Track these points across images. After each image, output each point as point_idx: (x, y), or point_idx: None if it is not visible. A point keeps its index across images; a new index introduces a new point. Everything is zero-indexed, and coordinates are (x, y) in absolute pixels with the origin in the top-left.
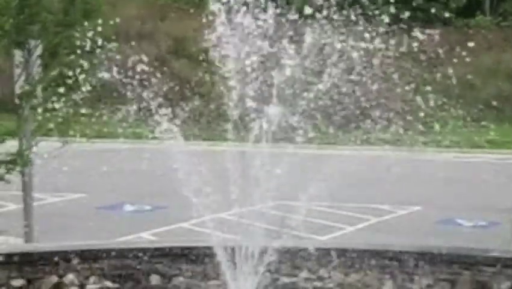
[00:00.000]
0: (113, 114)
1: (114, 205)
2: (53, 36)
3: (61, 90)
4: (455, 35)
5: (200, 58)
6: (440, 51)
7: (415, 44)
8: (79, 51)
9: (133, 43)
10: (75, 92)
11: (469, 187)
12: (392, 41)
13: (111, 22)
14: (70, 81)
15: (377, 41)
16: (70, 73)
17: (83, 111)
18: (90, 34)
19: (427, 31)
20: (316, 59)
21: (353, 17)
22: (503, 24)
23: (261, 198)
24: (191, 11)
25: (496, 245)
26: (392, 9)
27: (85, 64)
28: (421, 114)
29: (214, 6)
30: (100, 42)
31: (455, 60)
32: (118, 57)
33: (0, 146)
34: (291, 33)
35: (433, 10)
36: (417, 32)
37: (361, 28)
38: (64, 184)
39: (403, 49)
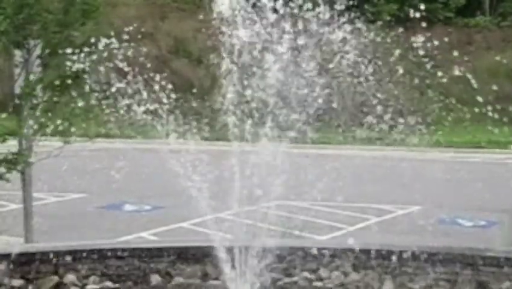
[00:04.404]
0: (113, 114)
1: (114, 204)
2: (53, 36)
3: (61, 89)
4: (455, 35)
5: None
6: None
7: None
8: (78, 50)
9: (133, 43)
10: (74, 91)
11: (469, 187)
12: (392, 40)
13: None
14: (69, 81)
15: (377, 40)
16: (69, 73)
17: (83, 110)
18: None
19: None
20: (317, 57)
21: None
22: (502, 24)
23: (261, 198)
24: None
25: (495, 245)
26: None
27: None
28: (421, 114)
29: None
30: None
31: (454, 60)
32: (118, 57)
33: (1, 145)
34: (292, 30)
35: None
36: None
37: (362, 27)
38: (64, 184)
39: (400, 50)
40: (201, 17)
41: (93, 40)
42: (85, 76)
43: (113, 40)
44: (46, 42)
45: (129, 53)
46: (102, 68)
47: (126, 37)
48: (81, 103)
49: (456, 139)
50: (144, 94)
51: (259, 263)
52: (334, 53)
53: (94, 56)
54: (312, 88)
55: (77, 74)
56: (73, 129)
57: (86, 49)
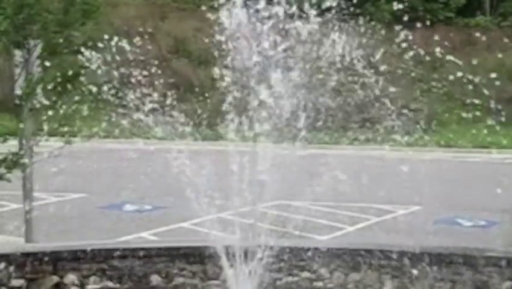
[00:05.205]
0: (113, 114)
1: (114, 204)
2: (53, 36)
3: (61, 89)
4: (456, 35)
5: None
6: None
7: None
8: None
9: (133, 43)
10: (75, 91)
11: (469, 187)
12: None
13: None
14: (69, 81)
15: (377, 40)
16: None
17: (83, 110)
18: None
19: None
20: (315, 58)
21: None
22: (503, 24)
23: (261, 198)
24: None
25: (495, 245)
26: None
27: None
28: (422, 114)
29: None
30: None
31: (455, 60)
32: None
33: (1, 145)
34: (291, 31)
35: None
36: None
37: (361, 27)
38: (64, 184)
39: (399, 49)
40: (204, 7)
41: (106, 36)
42: (98, 71)
43: (123, 39)
44: (46, 42)
45: (132, 53)
46: (106, 68)
47: (128, 37)
48: (92, 87)
49: (456, 139)
50: (144, 94)
51: (259, 263)
52: (331, 54)
53: (107, 56)
54: (310, 88)
55: (85, 70)
56: (84, 112)
57: (100, 45)
